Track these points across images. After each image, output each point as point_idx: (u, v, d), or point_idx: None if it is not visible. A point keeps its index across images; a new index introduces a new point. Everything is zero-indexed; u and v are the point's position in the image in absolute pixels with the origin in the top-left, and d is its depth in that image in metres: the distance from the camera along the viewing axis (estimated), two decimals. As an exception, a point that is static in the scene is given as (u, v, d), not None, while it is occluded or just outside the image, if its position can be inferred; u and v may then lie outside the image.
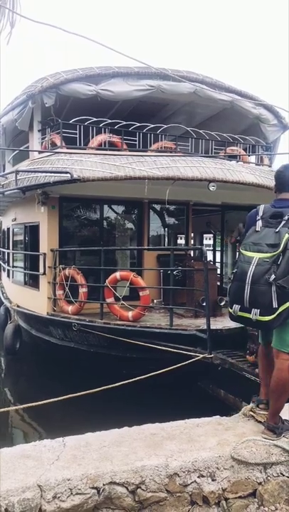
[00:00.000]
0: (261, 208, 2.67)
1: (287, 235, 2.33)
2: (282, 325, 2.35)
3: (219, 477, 2.17)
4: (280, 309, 2.29)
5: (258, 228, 2.52)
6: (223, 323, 6.06)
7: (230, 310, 2.52)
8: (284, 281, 2.28)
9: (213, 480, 2.15)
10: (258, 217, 2.58)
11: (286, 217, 2.42)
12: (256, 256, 2.38)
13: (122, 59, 4.71)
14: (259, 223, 2.54)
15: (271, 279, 2.28)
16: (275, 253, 2.33)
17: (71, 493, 1.87)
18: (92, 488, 1.92)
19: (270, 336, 2.52)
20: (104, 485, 1.94)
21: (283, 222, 2.41)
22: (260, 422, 2.55)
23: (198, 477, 2.12)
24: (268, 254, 2.35)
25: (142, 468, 2.02)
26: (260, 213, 2.61)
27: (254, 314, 2.33)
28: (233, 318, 2.52)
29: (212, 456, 2.18)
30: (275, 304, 2.28)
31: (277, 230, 2.39)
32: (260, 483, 2.23)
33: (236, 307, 2.44)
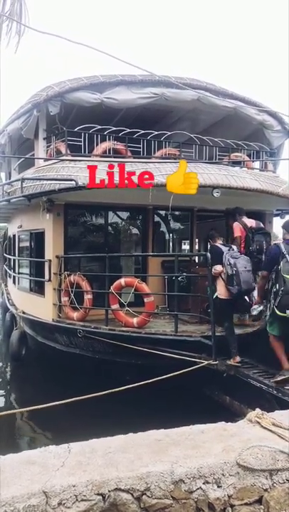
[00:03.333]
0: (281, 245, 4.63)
1: None
2: None
3: (225, 484, 2.16)
4: None
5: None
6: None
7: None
8: None
9: (218, 486, 2.14)
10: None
11: None
12: None
13: (123, 65, 4.76)
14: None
15: None
16: None
17: (76, 500, 1.87)
18: (98, 494, 1.92)
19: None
20: (109, 491, 1.94)
21: None
22: (265, 428, 2.54)
23: (203, 483, 2.11)
24: None
25: (147, 475, 2.02)
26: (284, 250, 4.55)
27: None
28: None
29: (217, 463, 2.17)
30: None
31: None
32: (266, 490, 2.22)
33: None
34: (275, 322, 4.73)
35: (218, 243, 5.96)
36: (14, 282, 11.05)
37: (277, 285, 4.36)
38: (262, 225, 6.96)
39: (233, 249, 5.83)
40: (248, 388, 5.00)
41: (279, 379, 4.65)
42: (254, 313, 5.02)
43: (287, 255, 4.33)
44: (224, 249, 5.76)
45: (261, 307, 4.91)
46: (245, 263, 5.51)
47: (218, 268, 5.57)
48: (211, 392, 5.98)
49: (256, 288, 5.30)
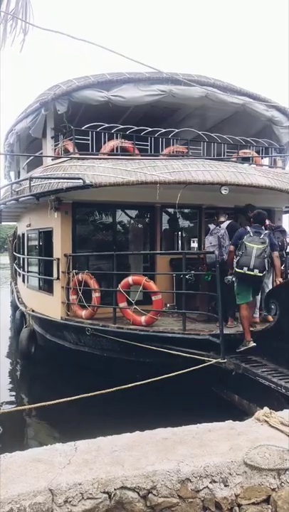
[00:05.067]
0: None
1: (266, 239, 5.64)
2: None
3: (232, 483, 2.14)
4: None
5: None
6: (236, 327, 6.01)
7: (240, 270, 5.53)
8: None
9: (225, 486, 2.13)
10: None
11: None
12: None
13: (129, 64, 4.75)
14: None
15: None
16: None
17: (82, 498, 1.87)
18: (104, 492, 1.91)
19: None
20: (115, 489, 1.93)
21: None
22: (273, 427, 2.52)
23: (210, 482, 2.09)
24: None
25: (153, 473, 2.01)
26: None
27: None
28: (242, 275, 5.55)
29: (224, 462, 2.15)
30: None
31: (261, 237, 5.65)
32: (273, 490, 2.19)
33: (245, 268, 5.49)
34: (240, 288, 5.71)
35: (219, 221, 6.64)
36: (23, 281, 11.13)
37: (240, 252, 5.60)
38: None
39: (219, 227, 6.48)
40: (256, 387, 4.96)
41: (242, 349, 5.60)
42: (225, 281, 5.92)
43: (250, 232, 5.71)
44: (211, 227, 6.63)
45: (232, 277, 5.89)
46: (212, 239, 6.42)
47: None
48: (219, 390, 5.94)
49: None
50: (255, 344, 5.53)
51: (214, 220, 6.82)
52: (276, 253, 5.81)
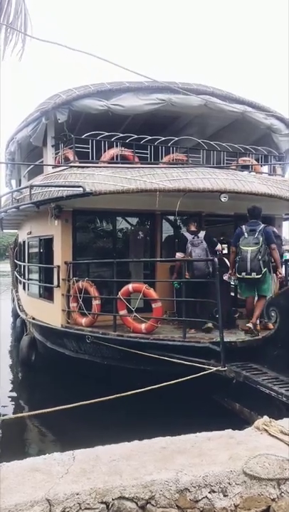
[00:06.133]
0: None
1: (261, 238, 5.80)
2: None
3: (231, 493, 2.12)
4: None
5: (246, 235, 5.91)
6: (236, 335, 5.99)
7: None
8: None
9: (224, 496, 2.11)
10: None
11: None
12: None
13: (129, 73, 4.80)
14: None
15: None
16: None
17: (80, 508, 1.86)
18: (101, 502, 1.90)
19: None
20: (113, 500, 1.92)
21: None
22: (273, 435, 2.50)
23: (209, 492, 2.08)
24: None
25: (151, 483, 1.99)
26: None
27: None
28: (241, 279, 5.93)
29: (223, 471, 2.13)
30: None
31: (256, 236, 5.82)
32: (273, 500, 2.17)
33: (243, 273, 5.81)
34: (242, 286, 6.16)
35: (191, 230, 6.68)
36: (24, 288, 11.13)
37: (238, 256, 5.91)
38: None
39: (197, 237, 6.52)
40: (257, 395, 4.93)
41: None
42: (225, 277, 6.32)
43: (245, 233, 5.87)
44: (189, 237, 6.55)
45: (232, 277, 6.30)
46: (200, 251, 6.42)
47: (178, 255, 6.67)
48: (220, 398, 5.91)
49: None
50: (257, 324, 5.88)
51: (187, 228, 6.94)
52: (273, 245, 5.92)
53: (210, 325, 6.08)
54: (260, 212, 6.21)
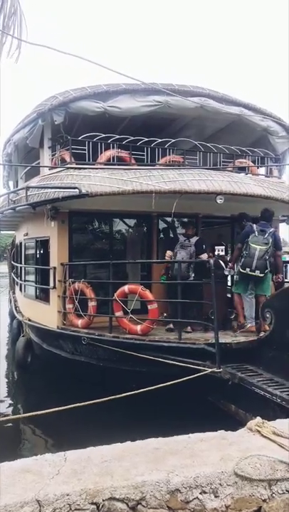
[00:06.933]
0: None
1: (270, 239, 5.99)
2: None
3: (222, 493, 2.12)
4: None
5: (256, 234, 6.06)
6: (232, 336, 6.00)
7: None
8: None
9: (216, 496, 2.11)
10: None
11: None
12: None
13: (124, 71, 4.81)
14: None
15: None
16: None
17: (70, 509, 1.85)
18: (92, 503, 1.89)
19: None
20: (103, 500, 1.92)
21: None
22: (265, 436, 2.50)
23: (200, 493, 2.08)
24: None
25: (142, 484, 1.99)
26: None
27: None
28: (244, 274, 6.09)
29: (215, 472, 2.13)
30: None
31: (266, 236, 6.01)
32: (264, 501, 2.17)
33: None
34: (240, 282, 6.34)
35: (186, 233, 7.04)
36: (21, 290, 11.11)
37: (245, 252, 6.05)
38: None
39: (189, 241, 6.75)
40: (252, 396, 4.94)
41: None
42: (226, 273, 6.65)
43: (255, 232, 6.06)
44: (181, 238, 6.88)
45: (232, 271, 6.55)
46: (184, 255, 6.66)
47: (167, 253, 6.96)
48: (216, 400, 5.91)
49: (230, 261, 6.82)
50: (252, 324, 6.11)
51: (185, 231, 7.22)
52: (279, 252, 6.25)
53: (188, 329, 6.40)
54: (271, 215, 6.47)
